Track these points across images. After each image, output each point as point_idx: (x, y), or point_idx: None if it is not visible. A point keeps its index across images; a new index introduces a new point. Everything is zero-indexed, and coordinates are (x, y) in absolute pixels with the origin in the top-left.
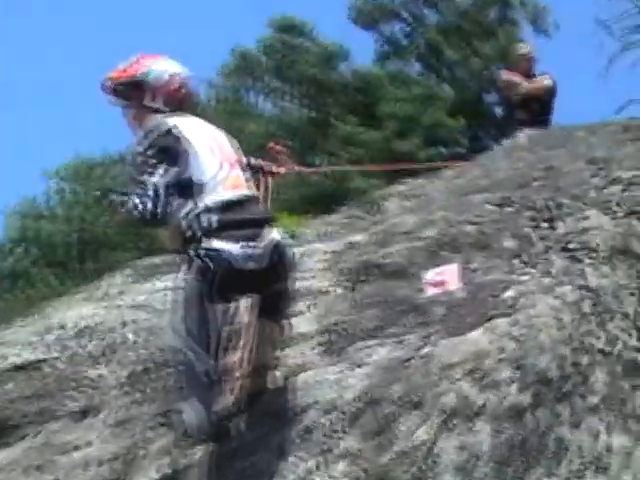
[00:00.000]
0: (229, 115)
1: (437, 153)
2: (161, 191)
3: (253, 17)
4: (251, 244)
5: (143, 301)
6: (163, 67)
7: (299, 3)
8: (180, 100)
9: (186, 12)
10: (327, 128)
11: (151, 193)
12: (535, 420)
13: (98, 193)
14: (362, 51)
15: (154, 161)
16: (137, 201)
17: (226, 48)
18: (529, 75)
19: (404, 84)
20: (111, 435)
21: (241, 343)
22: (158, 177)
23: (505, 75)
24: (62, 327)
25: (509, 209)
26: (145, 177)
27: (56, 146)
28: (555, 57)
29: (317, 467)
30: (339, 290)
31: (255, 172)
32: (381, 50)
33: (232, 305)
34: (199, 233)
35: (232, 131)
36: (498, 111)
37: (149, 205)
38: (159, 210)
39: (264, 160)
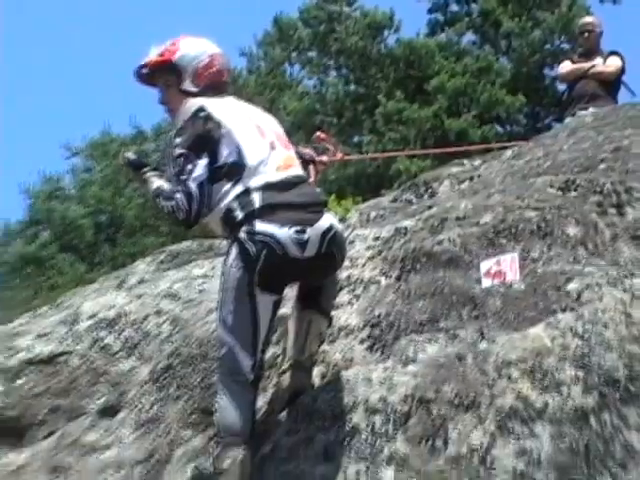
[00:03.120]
0: (266, 88)
1: (493, 132)
2: (196, 188)
3: None
4: (301, 229)
5: (173, 289)
6: (201, 49)
7: None
8: (220, 82)
9: None
10: (372, 104)
11: (191, 191)
12: (600, 424)
13: (131, 156)
14: (411, 20)
15: (192, 152)
16: (178, 201)
17: (269, 16)
18: (595, 50)
19: (457, 56)
20: (142, 434)
21: (288, 335)
22: (196, 171)
23: (567, 68)
24: (91, 317)
25: (573, 193)
26: (184, 175)
27: (79, 122)
28: (623, 25)
29: (364, 472)
30: (386, 280)
31: (302, 162)
32: (432, 19)
33: (276, 295)
34: (242, 216)
35: (270, 106)
36: (561, 87)
37: (188, 207)
38: (197, 210)
39: (307, 146)
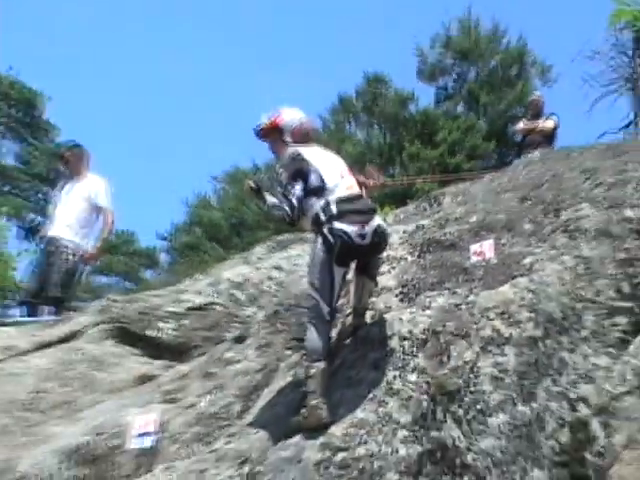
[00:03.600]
0: (333, 140)
1: (477, 165)
2: (298, 201)
3: (352, 71)
4: (361, 226)
5: (279, 264)
6: (295, 116)
7: (383, 63)
8: (307, 136)
9: (302, 66)
10: (400, 149)
11: (293, 204)
12: (544, 346)
13: (253, 185)
14: (424, 96)
15: (293, 179)
16: (285, 210)
17: (333, 94)
18: (540, 114)
19: (453, 119)
20: (258, 354)
21: (350, 293)
22: (296, 191)
23: (521, 126)
24: (227, 280)
25: (527, 203)
26: (287, 192)
27: (221, 154)
28: (555, 100)
29: (398, 376)
30: (411, 257)
31: (359, 184)
32: (438, 94)
33: (345, 268)
34: (325, 218)
35: (337, 151)
36: (517, 137)
37: (289, 213)
38: (297, 215)
39: (361, 175)
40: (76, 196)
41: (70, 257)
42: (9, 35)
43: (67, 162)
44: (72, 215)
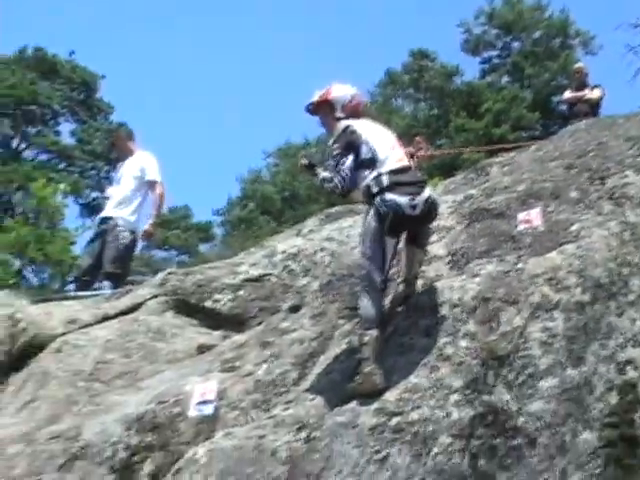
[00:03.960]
0: (382, 113)
1: (520, 136)
2: (349, 174)
3: (401, 48)
4: (412, 197)
5: (331, 235)
6: (345, 91)
7: (429, 39)
8: (357, 110)
9: (349, 43)
10: (446, 120)
11: (345, 176)
12: (592, 311)
13: (303, 160)
14: (469, 69)
15: (344, 152)
16: (336, 182)
17: (380, 70)
18: (584, 84)
19: (498, 90)
20: (312, 323)
21: (401, 262)
22: (347, 164)
23: (568, 95)
24: (281, 252)
25: (573, 171)
26: (340, 166)
27: (273, 130)
28: (598, 69)
29: (449, 342)
30: (460, 226)
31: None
32: (482, 68)
33: (396, 238)
34: (377, 190)
35: (386, 124)
36: (564, 108)
37: (341, 185)
38: (348, 187)
39: (410, 147)
40: (127, 174)
41: (125, 234)
42: (68, 16)
43: (115, 145)
44: (124, 193)
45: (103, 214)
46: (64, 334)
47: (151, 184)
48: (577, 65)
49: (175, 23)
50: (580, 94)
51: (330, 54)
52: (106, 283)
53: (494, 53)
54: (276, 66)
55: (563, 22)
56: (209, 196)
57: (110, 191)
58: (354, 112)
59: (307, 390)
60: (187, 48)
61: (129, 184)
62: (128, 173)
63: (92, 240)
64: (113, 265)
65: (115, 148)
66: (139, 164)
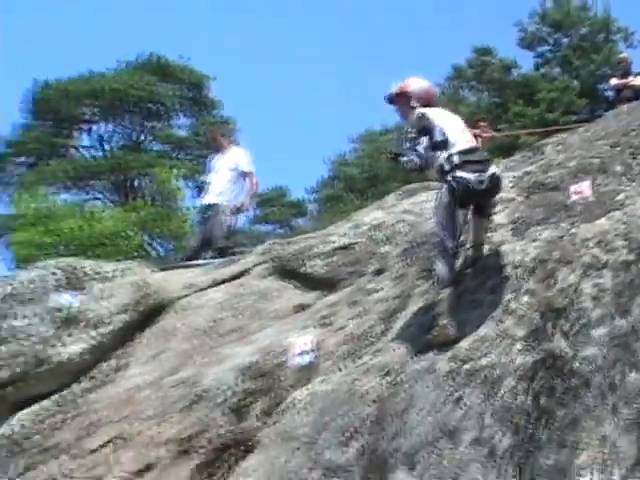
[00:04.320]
0: (450, 103)
1: (571, 120)
2: (424, 153)
3: (465, 46)
4: (479, 174)
5: (408, 208)
6: (421, 84)
7: (489, 37)
8: (430, 100)
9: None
10: (506, 108)
11: (421, 156)
12: (637, 269)
13: (389, 152)
14: (525, 62)
15: (419, 136)
16: (415, 161)
17: (448, 65)
18: (628, 72)
19: (550, 80)
20: (394, 284)
21: (469, 230)
22: (422, 145)
23: (615, 82)
24: (365, 224)
25: (618, 148)
26: (416, 147)
27: (356, 117)
28: (638, 61)
29: (513, 298)
30: (519, 198)
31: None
32: (536, 61)
33: (465, 209)
34: (449, 168)
35: (453, 111)
36: (611, 94)
37: (419, 163)
38: (424, 164)
39: (474, 129)
40: (224, 167)
41: (227, 217)
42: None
43: (214, 140)
44: (223, 183)
45: (207, 201)
46: (183, 297)
47: (245, 174)
48: (622, 55)
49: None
50: (625, 81)
51: (403, 50)
52: (216, 256)
53: (546, 48)
54: (354, 62)
55: (606, 19)
56: (303, 177)
57: (209, 178)
58: (427, 101)
59: (391, 341)
60: (277, 37)
61: (226, 175)
62: (224, 166)
63: (201, 223)
64: (221, 241)
65: (212, 142)
66: (233, 159)
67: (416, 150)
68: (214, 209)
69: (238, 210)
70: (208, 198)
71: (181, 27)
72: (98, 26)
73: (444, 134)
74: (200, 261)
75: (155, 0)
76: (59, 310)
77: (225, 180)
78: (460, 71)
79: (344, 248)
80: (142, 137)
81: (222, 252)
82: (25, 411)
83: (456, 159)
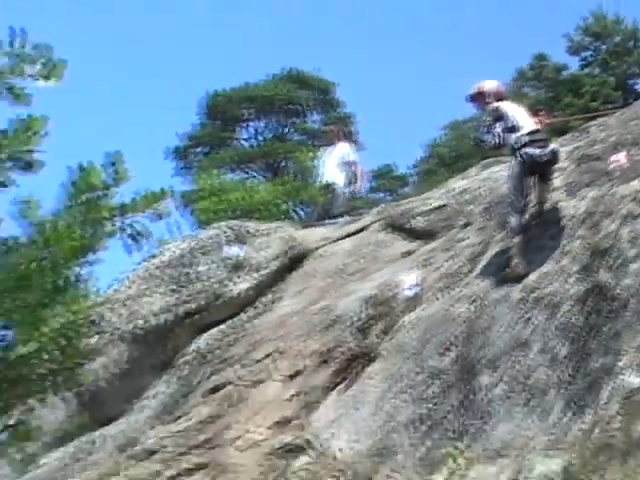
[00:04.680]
0: (516, 97)
1: (608, 107)
2: (501, 136)
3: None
4: (542, 150)
5: (487, 177)
6: (492, 85)
7: (545, 46)
8: (501, 96)
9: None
10: (558, 100)
11: (496, 136)
12: None
13: (473, 138)
14: (573, 65)
15: (494, 123)
16: (492, 141)
17: (513, 69)
18: None
19: (592, 77)
20: (477, 234)
21: (534, 192)
22: (497, 129)
23: None
24: (453, 190)
25: None
26: (493, 130)
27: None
28: None
29: (568, 242)
30: (571, 166)
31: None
32: (581, 64)
33: (531, 177)
34: (519, 145)
35: (518, 103)
36: (637, 87)
37: (496, 142)
38: (500, 143)
39: (535, 117)
40: (335, 156)
41: (341, 193)
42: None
43: (327, 135)
44: (334, 167)
45: (325, 180)
46: (319, 247)
47: (352, 163)
48: None
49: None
50: None
51: (474, 55)
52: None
53: (588, 53)
54: (434, 63)
55: (635, 30)
56: (405, 157)
57: (326, 163)
58: (499, 97)
59: (476, 277)
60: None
61: (338, 162)
62: (336, 155)
63: (324, 195)
64: (338, 210)
65: (326, 136)
66: (341, 151)
67: (493, 133)
68: (332, 186)
69: (353, 189)
70: (325, 177)
71: (313, 41)
72: (250, 41)
73: (514, 121)
74: (331, 221)
75: (293, 21)
76: (229, 259)
77: (335, 166)
78: (522, 73)
79: (439, 208)
80: (286, 130)
81: (341, 216)
82: (208, 333)
83: (524, 139)
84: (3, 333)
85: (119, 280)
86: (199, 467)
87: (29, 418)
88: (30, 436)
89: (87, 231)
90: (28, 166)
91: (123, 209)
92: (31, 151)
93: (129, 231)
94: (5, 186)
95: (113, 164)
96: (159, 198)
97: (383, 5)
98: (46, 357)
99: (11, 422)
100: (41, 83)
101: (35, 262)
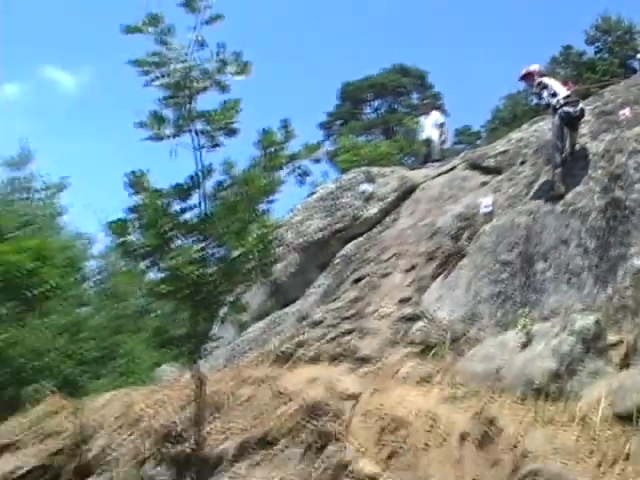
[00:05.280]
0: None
1: (615, 80)
2: (546, 99)
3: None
4: (574, 107)
5: (535, 129)
6: (536, 67)
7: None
8: (543, 74)
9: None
10: (581, 75)
11: (544, 99)
12: None
13: (530, 102)
14: (589, 52)
15: (541, 92)
16: (541, 102)
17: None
18: None
19: (604, 60)
20: (531, 167)
21: (568, 138)
22: (545, 95)
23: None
24: (513, 139)
25: None
26: (542, 95)
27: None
28: None
29: (593, 171)
30: (593, 119)
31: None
32: (595, 51)
33: (567, 128)
34: (559, 106)
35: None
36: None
37: (544, 103)
38: (547, 105)
39: (566, 85)
40: (430, 121)
41: (435, 146)
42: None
43: (422, 106)
44: (430, 128)
45: (423, 137)
46: (423, 182)
47: (442, 125)
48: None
49: None
50: None
51: (515, 44)
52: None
53: (600, 43)
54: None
55: (630, 25)
56: (479, 118)
57: (424, 124)
58: (541, 74)
59: (531, 198)
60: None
61: (432, 125)
62: (430, 120)
63: (424, 145)
64: (436, 156)
65: (424, 108)
66: (434, 117)
67: (541, 98)
68: (429, 141)
69: (443, 142)
70: (424, 135)
71: (413, 39)
72: (367, 41)
73: (554, 89)
74: (429, 164)
75: (395, 21)
76: (363, 193)
77: (431, 127)
78: (554, 59)
79: (503, 152)
80: (396, 106)
81: (436, 161)
82: (351, 243)
83: (562, 101)
84: (219, 245)
85: (291, 210)
86: (350, 331)
87: (241, 298)
88: (243, 310)
89: (270, 175)
90: (231, 132)
91: (293, 157)
92: (232, 122)
93: (297, 172)
94: (217, 146)
95: (285, 127)
96: (315, 149)
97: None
98: (250, 257)
99: (231, 299)
100: (236, 77)
101: (238, 196)
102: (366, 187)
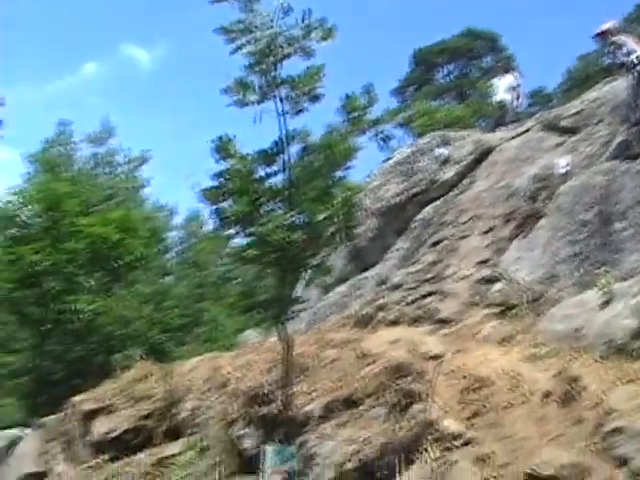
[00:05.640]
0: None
1: None
2: (621, 57)
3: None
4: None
5: (608, 90)
6: (610, 25)
7: None
8: (618, 32)
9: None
10: None
11: (618, 58)
12: None
13: (604, 62)
14: None
15: (616, 51)
16: (616, 61)
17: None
18: None
19: None
20: (606, 128)
21: None
22: (619, 54)
23: None
24: (586, 99)
25: None
26: (616, 54)
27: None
28: None
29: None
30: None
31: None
32: None
33: None
34: (634, 64)
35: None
36: None
37: (618, 62)
38: (623, 63)
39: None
40: (503, 83)
41: (509, 109)
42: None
43: (497, 69)
44: (503, 90)
45: (500, 99)
46: (500, 144)
47: (515, 87)
48: None
49: None
50: None
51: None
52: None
53: None
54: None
55: None
56: (552, 79)
57: (497, 87)
58: (616, 33)
59: (607, 158)
60: None
61: (506, 87)
62: (504, 83)
63: (499, 108)
64: (510, 118)
65: (497, 70)
66: (508, 80)
67: (616, 57)
68: (503, 103)
69: (517, 106)
70: (498, 98)
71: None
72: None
73: (628, 48)
74: (504, 127)
75: None
76: (439, 156)
77: (504, 90)
78: (628, 16)
79: (578, 112)
80: (468, 70)
81: (511, 123)
82: (429, 206)
83: (636, 60)
84: (303, 209)
85: (368, 175)
86: (429, 294)
87: (326, 261)
88: (328, 272)
89: (352, 140)
90: (315, 98)
91: (375, 121)
92: (316, 87)
93: (380, 136)
94: (301, 111)
95: (367, 92)
96: (397, 113)
97: None
98: (335, 220)
99: (316, 262)
100: (322, 43)
101: (320, 161)
102: (442, 151)
